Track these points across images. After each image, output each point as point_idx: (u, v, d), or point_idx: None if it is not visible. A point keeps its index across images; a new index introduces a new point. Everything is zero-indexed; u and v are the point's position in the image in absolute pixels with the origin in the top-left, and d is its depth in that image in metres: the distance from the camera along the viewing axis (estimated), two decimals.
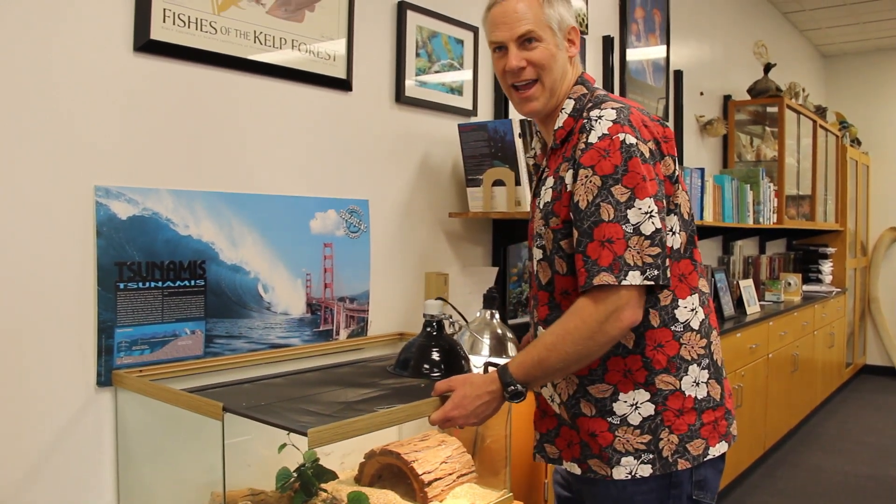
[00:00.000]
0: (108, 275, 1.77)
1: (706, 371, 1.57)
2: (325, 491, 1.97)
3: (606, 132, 1.48)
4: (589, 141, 1.49)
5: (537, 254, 1.62)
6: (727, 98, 5.36)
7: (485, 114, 2.90)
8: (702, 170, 3.89)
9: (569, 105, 1.61)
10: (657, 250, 1.44)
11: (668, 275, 1.46)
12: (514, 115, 2.95)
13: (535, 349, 1.48)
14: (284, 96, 2.16)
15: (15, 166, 1.63)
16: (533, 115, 1.67)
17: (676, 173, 1.57)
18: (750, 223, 4.61)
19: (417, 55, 2.57)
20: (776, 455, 4.74)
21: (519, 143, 2.45)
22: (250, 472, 2.05)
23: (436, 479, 2.06)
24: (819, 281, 6.28)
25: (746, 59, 5.63)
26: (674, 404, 1.52)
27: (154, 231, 1.85)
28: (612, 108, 1.52)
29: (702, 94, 4.98)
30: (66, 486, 1.73)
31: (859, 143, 7.21)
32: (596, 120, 1.50)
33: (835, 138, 6.53)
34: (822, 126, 6.08)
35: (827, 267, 6.36)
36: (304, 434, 1.33)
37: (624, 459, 1.52)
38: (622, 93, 3.93)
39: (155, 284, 1.85)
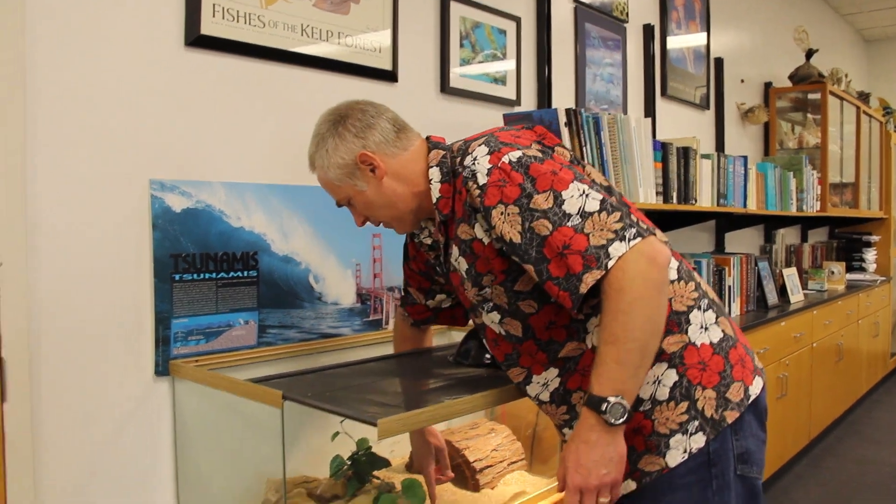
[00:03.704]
0: (164, 267, 1.80)
1: (710, 311, 1.51)
2: (378, 478, 1.99)
3: (490, 165, 1.42)
4: (481, 184, 1.42)
5: (495, 318, 1.54)
6: (768, 85, 5.29)
7: (528, 103, 2.89)
8: (744, 158, 3.84)
9: (435, 175, 1.56)
10: (617, 215, 1.35)
11: (645, 225, 1.37)
12: (560, 104, 2.96)
13: (600, 358, 1.34)
14: (332, 88, 2.18)
15: (73, 162, 1.67)
16: (411, 230, 1.69)
17: (572, 156, 1.53)
18: (793, 211, 4.55)
19: (461, 46, 2.57)
20: (821, 445, 4.68)
21: (565, 131, 2.44)
22: (303, 461, 2.08)
23: (487, 467, 2.07)
24: (863, 269, 6.18)
25: (787, 45, 5.56)
26: (692, 359, 1.45)
27: (207, 223, 1.87)
28: (479, 144, 1.48)
29: (742, 81, 4.93)
30: (126, 475, 1.77)
31: None
32: (472, 164, 1.45)
33: (878, 124, 6.41)
34: (865, 112, 5.98)
35: (871, 255, 6.26)
36: (374, 424, 1.31)
37: (672, 440, 1.45)
38: (663, 81, 3.91)
39: (209, 276, 1.88)
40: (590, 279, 1.32)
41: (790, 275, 4.59)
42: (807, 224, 5.71)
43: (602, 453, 1.34)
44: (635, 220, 1.37)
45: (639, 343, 1.32)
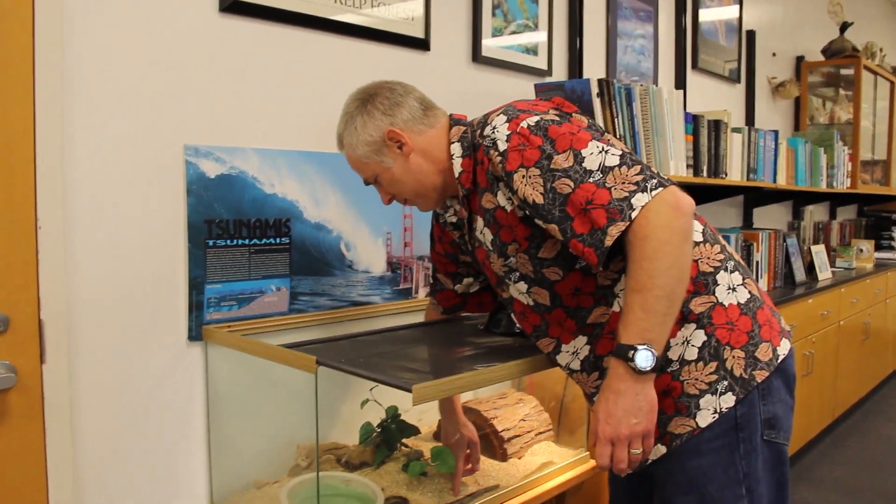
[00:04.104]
0: (198, 232, 1.81)
1: (737, 273, 1.51)
2: (407, 446, 2.01)
3: (508, 131, 1.44)
4: (501, 150, 1.44)
5: (522, 287, 1.55)
6: (800, 59, 5.21)
7: (559, 74, 2.87)
8: (775, 132, 3.80)
9: (456, 150, 1.58)
10: (637, 168, 1.36)
11: (666, 177, 1.37)
12: (591, 75, 2.93)
13: (627, 307, 1.34)
14: (365, 56, 2.17)
15: (109, 128, 1.67)
16: (435, 208, 1.73)
17: (590, 122, 1.53)
18: (823, 187, 4.50)
19: (493, 15, 2.55)
20: (845, 424, 4.67)
21: (597, 102, 2.42)
22: (332, 428, 2.10)
23: (515, 437, 2.08)
24: (892, 248, 6.10)
25: (821, 18, 5.46)
26: (720, 319, 1.46)
27: (241, 189, 1.88)
28: (497, 115, 1.50)
29: (774, 55, 4.86)
30: (160, 437, 1.79)
31: None
32: (492, 132, 1.47)
33: None
34: None
35: None
36: (409, 390, 1.32)
37: (702, 401, 1.45)
38: (694, 54, 3.86)
39: (242, 242, 1.89)
40: (614, 231, 1.32)
41: (818, 252, 4.55)
42: (835, 201, 5.65)
43: (632, 402, 1.35)
44: (656, 171, 1.38)
45: (665, 290, 1.31)
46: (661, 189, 1.33)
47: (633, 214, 1.31)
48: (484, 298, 1.91)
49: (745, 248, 3.64)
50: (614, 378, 1.36)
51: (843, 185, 4.83)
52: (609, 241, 1.33)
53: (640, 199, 1.32)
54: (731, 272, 1.51)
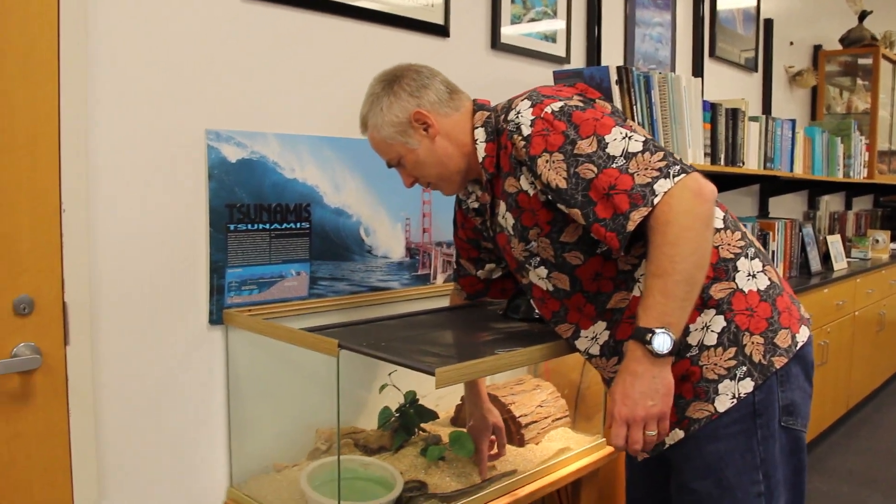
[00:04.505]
0: (220, 216, 1.82)
1: (757, 259, 1.52)
2: (425, 431, 2.02)
3: (533, 116, 1.45)
4: (525, 135, 1.45)
5: (542, 272, 1.56)
6: (817, 48, 5.18)
7: (577, 61, 2.86)
8: (793, 121, 3.78)
9: (480, 135, 1.59)
10: (660, 154, 1.37)
11: (688, 163, 1.38)
12: (610, 62, 2.92)
13: (647, 291, 1.35)
14: (385, 42, 2.17)
15: (132, 112, 1.68)
16: (457, 193, 1.72)
17: (613, 108, 1.53)
18: (840, 177, 4.48)
19: (512, 2, 2.54)
20: (859, 415, 4.66)
21: (616, 89, 2.41)
22: (350, 412, 2.11)
23: (532, 422, 2.09)
24: None
25: (839, 6, 5.41)
26: (739, 305, 1.47)
27: (262, 174, 1.89)
28: (522, 100, 1.51)
29: (791, 43, 4.82)
30: (181, 419, 1.81)
31: None
32: (516, 117, 1.48)
33: None
34: None
35: None
36: (432, 373, 1.33)
37: (721, 386, 1.46)
38: (712, 42, 3.84)
39: (263, 226, 1.90)
40: (637, 216, 1.33)
41: (834, 242, 4.53)
42: (851, 191, 5.62)
43: (649, 385, 1.35)
44: (679, 157, 1.39)
45: (685, 275, 1.32)
46: (683, 175, 1.34)
47: (656, 200, 1.32)
48: (507, 285, 1.92)
49: (762, 237, 3.63)
50: (632, 360, 1.37)
51: (859, 175, 4.81)
52: (631, 226, 1.33)
53: (662, 185, 1.33)
54: (752, 259, 1.52)
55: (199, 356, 1.84)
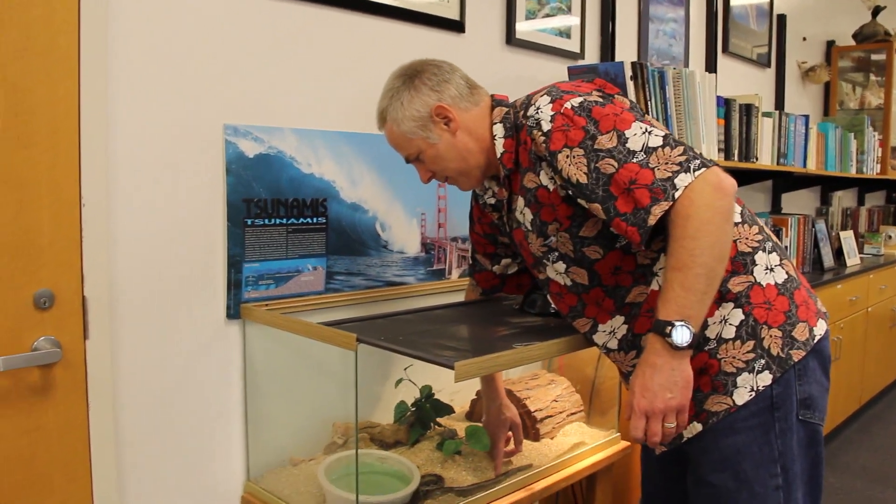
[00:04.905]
0: (237, 211, 1.83)
1: (774, 254, 1.52)
2: (441, 425, 2.02)
3: (552, 112, 1.45)
4: (545, 131, 1.46)
5: (560, 267, 1.56)
6: (831, 44, 5.15)
7: (591, 57, 2.86)
8: (806, 117, 3.77)
9: (499, 131, 1.59)
10: (680, 149, 1.37)
11: (709, 157, 1.38)
12: (624, 58, 2.92)
13: (667, 284, 1.35)
14: (401, 37, 2.17)
15: (151, 107, 1.69)
16: (476, 188, 1.72)
17: (632, 103, 1.53)
18: (853, 173, 4.46)
19: None
20: (871, 411, 4.64)
21: (630, 85, 2.41)
22: (366, 407, 2.12)
23: (547, 417, 2.10)
24: None
25: (852, 2, 5.39)
26: (757, 298, 1.47)
27: (279, 169, 1.89)
28: (541, 95, 1.51)
29: (804, 39, 4.80)
30: (198, 413, 1.82)
31: None
32: (536, 113, 1.48)
33: None
34: None
35: None
36: (451, 367, 1.34)
37: (739, 379, 1.46)
38: (725, 38, 3.83)
39: (280, 221, 1.91)
40: (658, 210, 1.33)
41: (847, 238, 4.52)
42: (864, 187, 5.60)
43: (668, 377, 1.36)
44: (699, 152, 1.39)
45: (705, 269, 1.32)
46: (703, 170, 1.34)
47: (677, 194, 1.32)
48: (522, 280, 1.92)
49: (775, 232, 3.62)
50: (651, 353, 1.37)
51: (872, 170, 4.79)
52: (652, 221, 1.34)
53: (683, 180, 1.33)
54: (769, 253, 1.52)
55: (217, 350, 1.85)
